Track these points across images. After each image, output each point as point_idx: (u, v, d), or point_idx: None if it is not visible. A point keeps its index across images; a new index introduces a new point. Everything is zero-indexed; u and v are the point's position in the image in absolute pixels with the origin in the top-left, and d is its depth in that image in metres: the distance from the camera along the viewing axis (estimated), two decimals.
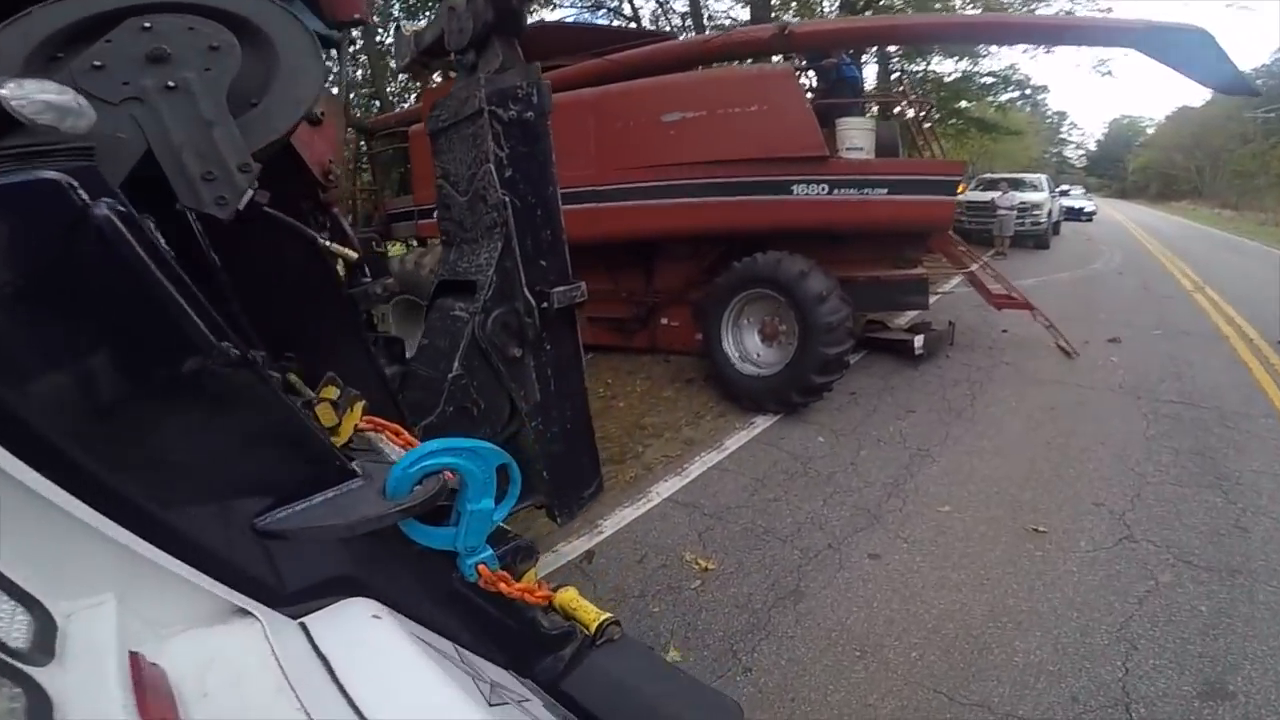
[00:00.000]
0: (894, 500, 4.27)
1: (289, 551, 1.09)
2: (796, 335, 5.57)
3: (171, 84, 1.17)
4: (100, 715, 0.69)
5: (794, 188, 5.82)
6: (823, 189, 5.78)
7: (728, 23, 19.79)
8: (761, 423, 5.72)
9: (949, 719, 2.56)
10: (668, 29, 19.40)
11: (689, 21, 20.18)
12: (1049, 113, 59.78)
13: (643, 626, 3.12)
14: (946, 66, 23.50)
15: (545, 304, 2.21)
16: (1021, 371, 6.76)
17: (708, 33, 15.95)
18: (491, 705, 1.04)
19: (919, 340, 6.77)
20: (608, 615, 1.68)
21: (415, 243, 8.35)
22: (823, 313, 5.33)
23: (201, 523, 0.98)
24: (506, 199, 2.11)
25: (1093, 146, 78.84)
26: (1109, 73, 24.25)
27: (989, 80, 24.14)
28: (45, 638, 0.76)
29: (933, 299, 6.57)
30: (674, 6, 21.11)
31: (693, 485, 4.65)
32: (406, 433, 1.73)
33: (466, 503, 1.20)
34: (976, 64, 23.34)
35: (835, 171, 5.79)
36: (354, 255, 1.43)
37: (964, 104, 24.54)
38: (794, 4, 20.15)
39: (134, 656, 0.80)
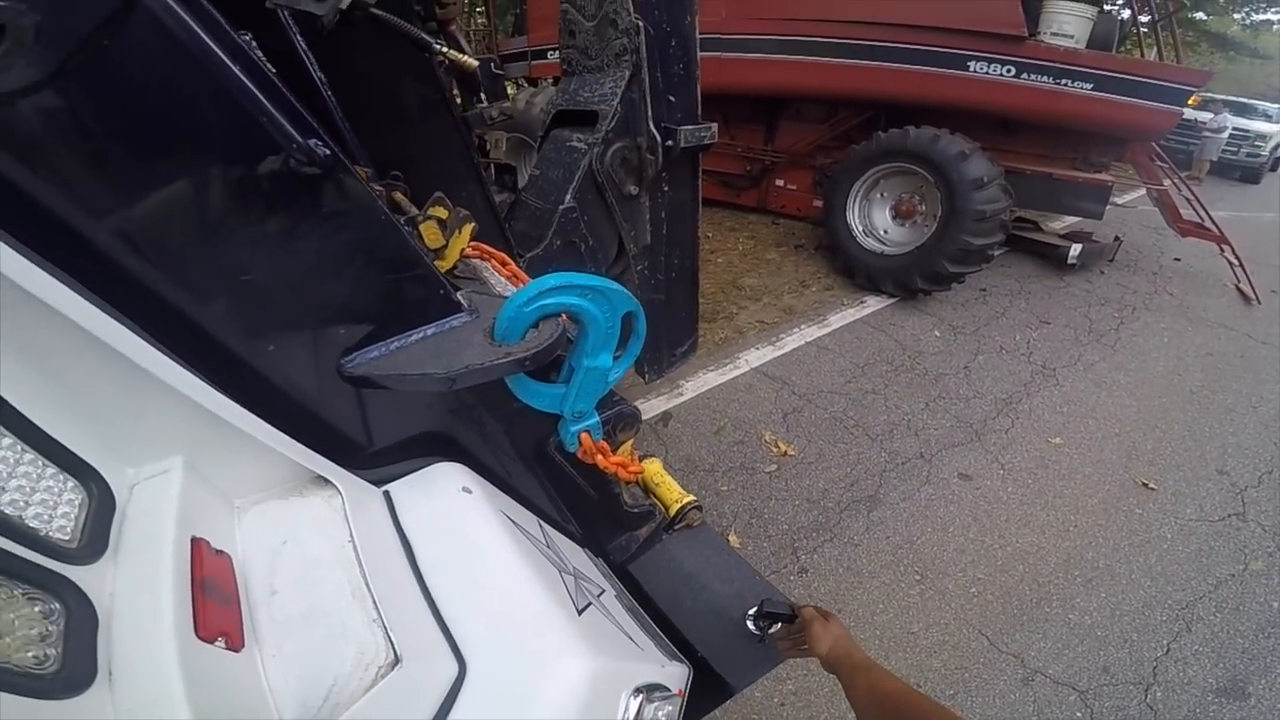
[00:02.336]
0: (1002, 419, 3.96)
1: (377, 402, 0.97)
2: (938, 218, 5.06)
3: None
4: (148, 637, 0.60)
5: (970, 64, 5.23)
6: (1008, 71, 5.15)
7: None
8: (873, 304, 5.37)
9: (981, 664, 2.50)
10: None
11: None
12: None
13: (708, 506, 3.09)
14: None
15: (670, 142, 2.01)
16: (1185, 306, 5.90)
17: None
18: (580, 612, 0.95)
19: (1075, 249, 6.01)
20: (690, 499, 1.62)
21: (526, 83, 8.21)
22: (978, 199, 4.77)
23: (279, 362, 0.86)
24: (640, 24, 1.84)
25: None
26: None
27: None
28: (100, 524, 0.67)
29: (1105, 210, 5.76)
30: None
31: (786, 359, 4.45)
32: (514, 263, 1.62)
33: (583, 356, 0.99)
34: None
35: (1029, 55, 5.08)
36: (473, 63, 1.23)
37: (1200, 16, 20.49)
38: None
39: (197, 545, 0.71)
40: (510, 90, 8.32)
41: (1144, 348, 5.04)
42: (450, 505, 0.98)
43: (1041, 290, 5.90)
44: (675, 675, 1.19)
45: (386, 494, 0.99)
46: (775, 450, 3.50)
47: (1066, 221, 7.35)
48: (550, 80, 7.16)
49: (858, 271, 5.60)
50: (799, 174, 6.80)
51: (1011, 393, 4.24)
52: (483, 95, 1.83)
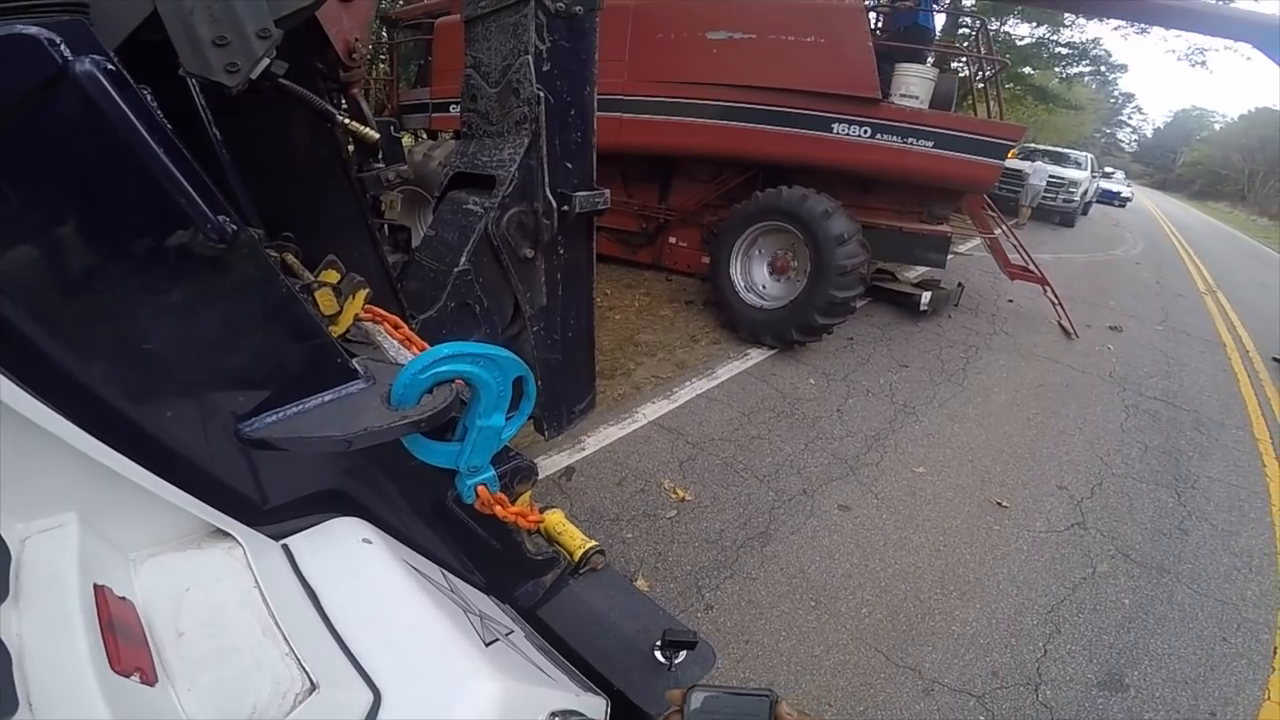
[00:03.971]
0: (872, 454, 4.32)
1: (273, 462, 1.00)
2: (808, 273, 5.49)
3: None
4: (65, 671, 0.61)
5: (834, 126, 5.66)
6: (864, 132, 5.61)
7: None
8: (755, 355, 5.71)
9: (882, 679, 2.67)
10: None
11: None
12: (1116, 92, 55.32)
13: (614, 552, 3.16)
14: (1021, 30, 22.28)
15: (566, 207, 2.11)
16: (1019, 344, 6.74)
17: None
18: (486, 644, 0.97)
19: (926, 296, 6.71)
20: (593, 544, 1.64)
21: (425, 135, 8.18)
22: (839, 255, 5.23)
23: (177, 426, 0.87)
24: (541, 94, 1.95)
25: (1149, 133, 74.68)
26: (1203, 63, 23.72)
27: (1063, 51, 22.91)
28: None
29: (948, 259, 6.46)
30: None
31: (680, 411, 4.65)
32: (406, 326, 1.67)
33: (476, 417, 1.07)
34: (1056, 32, 22.07)
35: (882, 116, 5.58)
36: (374, 136, 1.31)
37: (1028, 70, 23.27)
38: None
39: (100, 591, 0.72)
40: (408, 142, 8.27)
41: (987, 383, 5.69)
42: (351, 554, 1.00)
43: (900, 336, 6.54)
44: (593, 706, 1.24)
45: (285, 547, 1.00)
46: (674, 496, 3.63)
47: (919, 271, 8.11)
48: (451, 134, 7.15)
49: (741, 325, 5.89)
50: (690, 231, 7.09)
51: (879, 430, 4.65)
52: (380, 157, 1.88)
